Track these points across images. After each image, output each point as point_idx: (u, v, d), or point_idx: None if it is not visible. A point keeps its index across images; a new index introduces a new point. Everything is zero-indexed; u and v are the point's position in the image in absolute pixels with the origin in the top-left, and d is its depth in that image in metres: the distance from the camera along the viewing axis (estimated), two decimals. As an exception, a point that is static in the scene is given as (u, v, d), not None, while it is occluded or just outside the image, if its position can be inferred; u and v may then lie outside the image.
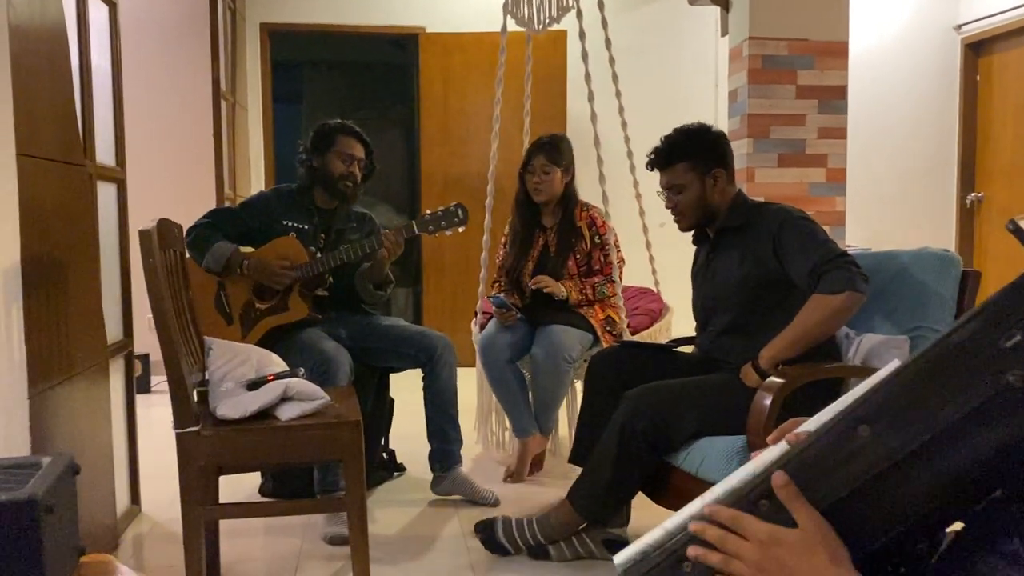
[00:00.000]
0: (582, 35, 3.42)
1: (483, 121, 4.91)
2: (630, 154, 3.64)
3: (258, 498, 2.91)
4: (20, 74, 1.92)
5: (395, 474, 3.20)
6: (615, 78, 3.58)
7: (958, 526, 0.80)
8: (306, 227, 2.92)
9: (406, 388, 3.17)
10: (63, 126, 2.27)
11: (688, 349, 2.58)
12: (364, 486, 2.02)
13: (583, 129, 3.72)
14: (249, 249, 2.88)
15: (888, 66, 5.63)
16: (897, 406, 0.74)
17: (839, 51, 3.83)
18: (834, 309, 2.05)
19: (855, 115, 4.16)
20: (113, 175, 2.74)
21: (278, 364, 2.25)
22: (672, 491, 2.20)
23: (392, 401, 3.22)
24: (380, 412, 3.11)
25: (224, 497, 2.37)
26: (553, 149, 3.17)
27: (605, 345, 3.06)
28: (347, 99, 7.26)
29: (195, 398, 2.05)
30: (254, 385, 2.08)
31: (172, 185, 4.77)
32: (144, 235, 1.93)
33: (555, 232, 3.23)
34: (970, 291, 2.20)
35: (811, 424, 0.86)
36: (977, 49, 5.62)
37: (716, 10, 4.45)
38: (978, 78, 5.65)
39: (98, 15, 2.67)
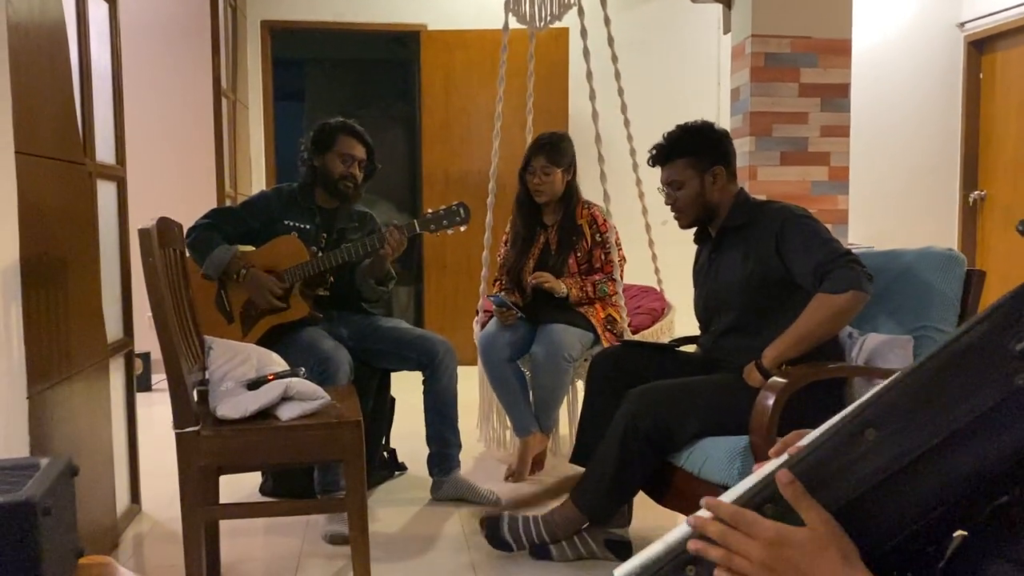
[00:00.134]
0: (583, 33, 3.41)
1: (485, 119, 4.90)
2: (632, 152, 3.63)
3: (258, 497, 2.91)
4: (19, 72, 1.91)
5: (396, 473, 3.19)
6: (617, 75, 3.57)
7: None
8: (307, 227, 2.91)
9: (407, 387, 3.16)
10: (63, 124, 2.26)
11: (690, 348, 2.57)
12: (365, 486, 2.02)
13: (585, 126, 3.71)
14: (250, 248, 2.87)
15: (891, 64, 5.61)
16: (905, 409, 0.73)
17: (842, 49, 3.81)
18: (838, 309, 2.04)
19: (858, 113, 4.15)
20: (113, 173, 2.73)
21: (278, 363, 2.24)
22: (674, 491, 2.19)
23: (393, 400, 3.21)
24: (381, 411, 3.10)
25: (224, 496, 2.36)
26: (553, 150, 3.15)
27: (606, 344, 3.06)
28: (348, 97, 7.24)
29: (195, 398, 2.05)
30: (254, 385, 2.07)
31: (173, 183, 4.76)
32: (144, 234, 1.93)
33: (556, 230, 3.22)
34: (974, 291, 2.19)
35: (814, 437, 0.84)
36: (980, 47, 5.60)
37: (719, 7, 4.43)
38: (981, 76, 5.63)
39: (98, 12, 2.66)
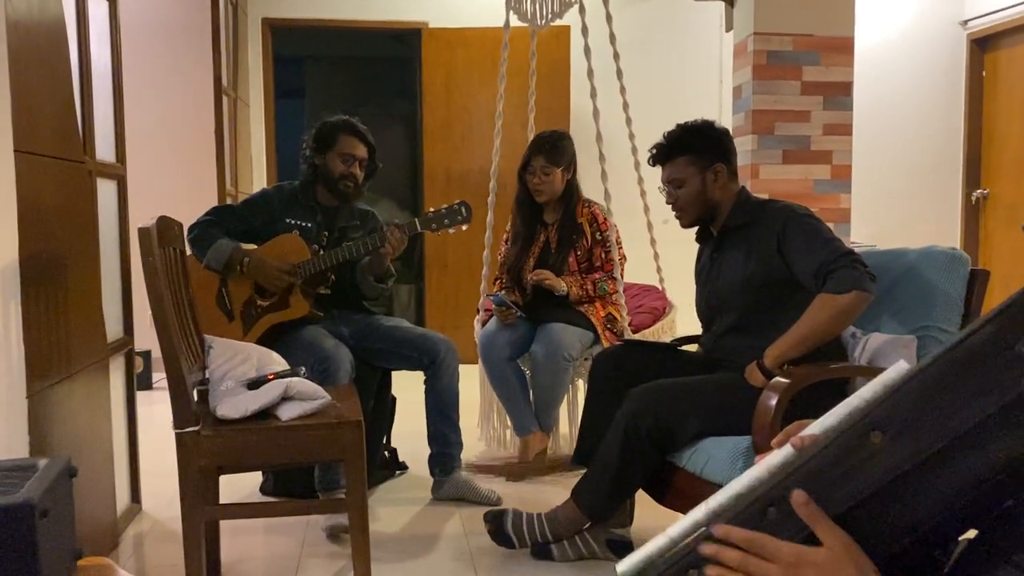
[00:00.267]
0: (585, 30, 3.40)
1: (486, 117, 4.89)
2: (634, 150, 3.62)
3: (259, 497, 2.90)
4: (18, 70, 1.91)
5: (397, 472, 3.18)
6: (619, 73, 3.55)
7: (971, 534, 0.78)
8: (309, 225, 2.90)
9: (408, 386, 3.16)
10: (62, 122, 2.25)
11: (692, 348, 2.56)
12: (365, 486, 2.01)
13: (587, 125, 3.70)
14: (252, 246, 2.87)
15: (894, 62, 5.60)
16: (910, 412, 0.72)
17: (845, 47, 3.80)
18: (841, 308, 2.03)
19: (860, 111, 4.13)
20: (113, 172, 2.72)
21: (279, 363, 2.23)
22: (676, 492, 2.18)
23: (394, 399, 3.20)
24: (382, 410, 3.10)
25: (225, 495, 2.36)
26: (552, 149, 3.14)
27: (605, 344, 3.05)
28: (349, 95, 7.23)
29: (195, 397, 2.04)
30: (255, 384, 2.07)
31: (173, 182, 4.76)
32: (143, 233, 1.92)
33: (556, 228, 3.21)
34: (978, 290, 2.18)
35: (816, 427, 0.84)
36: (983, 45, 5.58)
37: (721, 5, 4.43)
38: (984, 74, 5.61)
39: (98, 10, 2.65)
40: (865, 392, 0.78)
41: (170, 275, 2.04)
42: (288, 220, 2.89)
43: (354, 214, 3.01)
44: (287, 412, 2.01)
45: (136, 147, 3.04)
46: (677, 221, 2.44)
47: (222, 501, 2.33)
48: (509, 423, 3.27)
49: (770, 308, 2.22)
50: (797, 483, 0.76)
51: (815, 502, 0.74)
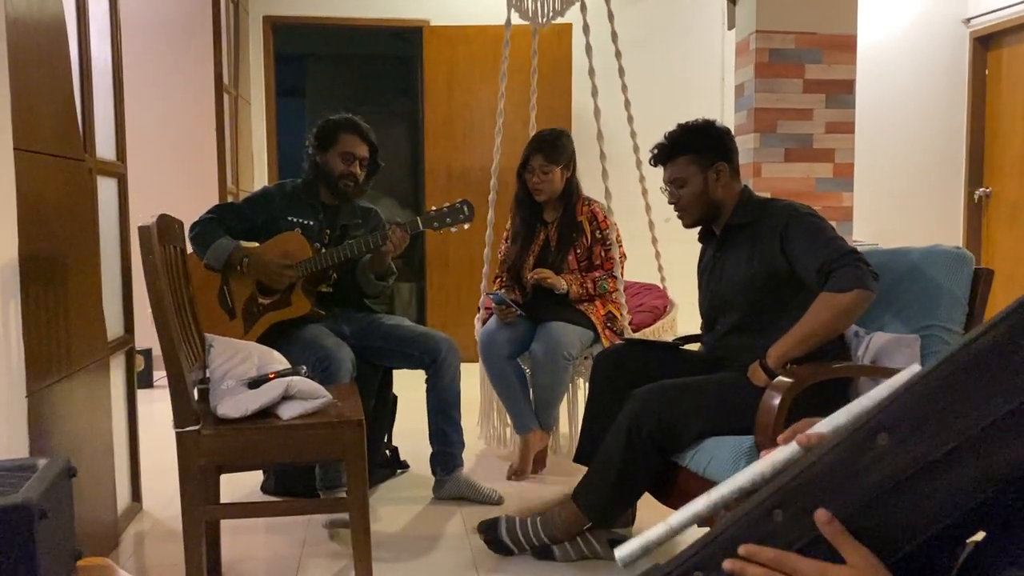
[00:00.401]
0: (586, 28, 3.39)
1: (487, 115, 4.88)
2: (636, 148, 3.61)
3: (259, 496, 2.90)
4: (18, 68, 1.90)
5: (398, 471, 3.18)
6: (621, 72, 3.55)
7: (979, 537, 0.78)
8: (311, 223, 2.89)
9: (409, 385, 3.15)
10: (62, 120, 2.24)
11: (694, 347, 2.55)
12: (366, 485, 2.00)
13: (588, 123, 3.69)
14: (254, 244, 2.86)
15: (896, 60, 5.59)
16: (917, 415, 0.71)
17: (847, 45, 3.80)
18: (843, 307, 2.02)
19: (863, 109, 4.13)
20: (114, 170, 2.71)
21: (279, 362, 2.23)
22: (678, 491, 2.18)
23: (395, 398, 3.20)
24: (383, 409, 3.09)
25: (225, 494, 2.35)
26: (551, 148, 3.13)
27: (605, 342, 3.04)
28: (351, 92, 7.23)
29: (196, 396, 2.03)
30: (255, 383, 2.06)
31: (174, 180, 4.75)
32: (143, 232, 1.91)
33: (556, 227, 3.21)
34: (982, 290, 2.16)
35: (824, 425, 0.83)
36: (986, 43, 5.57)
37: (723, 3, 4.42)
38: (987, 72, 5.60)
39: (98, 8, 2.64)
40: (877, 394, 0.77)
41: (171, 273, 2.03)
42: (290, 218, 2.88)
43: (356, 212, 3.00)
44: (288, 411, 2.00)
45: (137, 145, 3.04)
46: (679, 220, 2.43)
47: (223, 500, 2.32)
48: (509, 422, 3.26)
49: (773, 307, 2.22)
50: (802, 484, 0.75)
51: (820, 504, 0.74)
